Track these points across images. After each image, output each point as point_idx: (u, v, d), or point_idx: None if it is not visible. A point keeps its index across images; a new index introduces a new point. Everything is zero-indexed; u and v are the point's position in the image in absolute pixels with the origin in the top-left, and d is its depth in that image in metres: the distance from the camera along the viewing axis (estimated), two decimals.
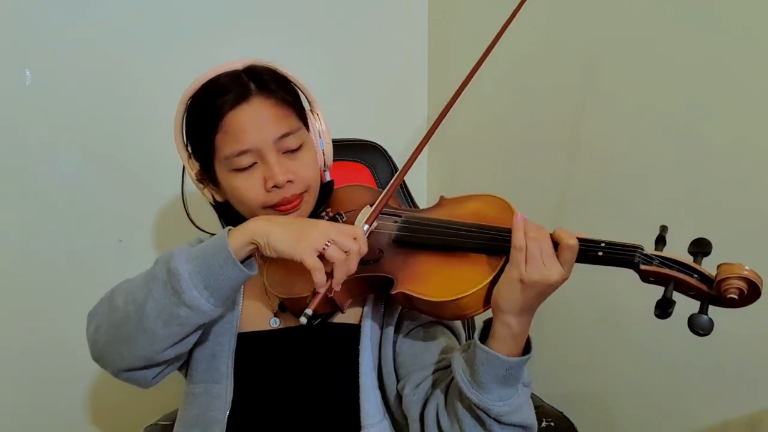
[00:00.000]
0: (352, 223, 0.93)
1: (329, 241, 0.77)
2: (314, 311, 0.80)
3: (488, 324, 0.80)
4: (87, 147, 1.39)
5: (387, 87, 1.66)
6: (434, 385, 0.87)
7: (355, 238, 0.79)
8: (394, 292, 0.83)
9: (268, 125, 0.89)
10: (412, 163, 0.93)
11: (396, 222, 0.92)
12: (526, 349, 0.80)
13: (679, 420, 1.13)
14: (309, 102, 0.99)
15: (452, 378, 0.84)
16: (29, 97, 1.33)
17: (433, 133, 0.95)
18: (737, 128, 0.98)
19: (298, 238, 0.78)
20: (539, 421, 1.07)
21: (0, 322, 1.40)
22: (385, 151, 1.41)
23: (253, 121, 0.88)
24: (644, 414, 1.20)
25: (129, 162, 1.42)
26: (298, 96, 0.96)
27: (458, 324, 0.98)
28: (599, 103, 1.22)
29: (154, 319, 0.79)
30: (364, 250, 0.80)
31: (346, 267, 0.78)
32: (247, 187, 0.90)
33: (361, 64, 1.62)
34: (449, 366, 0.87)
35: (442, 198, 0.98)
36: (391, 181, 0.93)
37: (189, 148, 0.97)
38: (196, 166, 0.96)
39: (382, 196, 0.91)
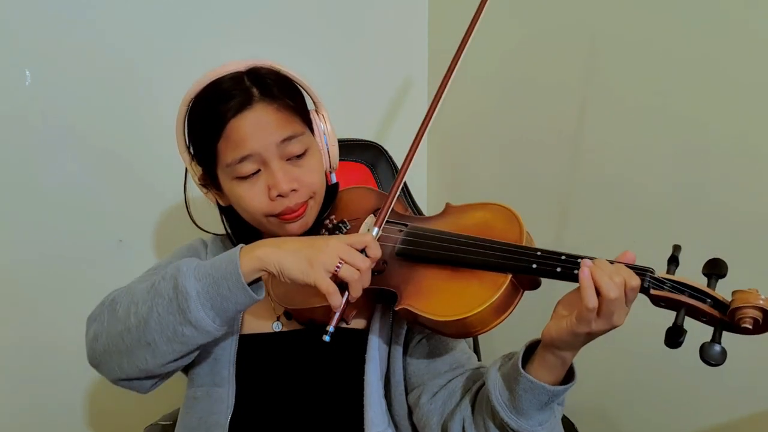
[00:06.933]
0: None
1: (341, 262, 0.76)
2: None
3: (532, 346, 0.77)
4: (87, 147, 1.38)
5: (387, 87, 1.66)
6: (455, 394, 0.85)
7: (365, 247, 0.79)
8: (397, 308, 0.81)
9: (270, 130, 0.87)
10: (410, 160, 0.90)
11: (401, 231, 0.89)
12: (569, 372, 0.77)
13: (680, 420, 1.12)
14: (314, 103, 0.98)
15: (478, 389, 0.82)
16: (29, 97, 1.32)
17: (428, 125, 0.92)
18: (741, 130, 0.98)
19: (310, 262, 0.76)
20: None
21: None
22: (386, 151, 1.41)
23: (255, 127, 0.86)
24: (644, 414, 1.20)
25: (129, 162, 1.41)
26: (303, 98, 0.95)
27: None
28: (600, 104, 1.22)
29: (157, 334, 0.78)
30: (377, 254, 0.80)
31: (360, 284, 0.77)
32: (251, 196, 0.89)
33: (361, 64, 1.62)
34: (467, 373, 0.86)
35: (447, 205, 0.95)
36: (394, 184, 0.90)
37: (191, 151, 0.95)
38: (199, 170, 0.95)
39: (386, 202, 0.88)
